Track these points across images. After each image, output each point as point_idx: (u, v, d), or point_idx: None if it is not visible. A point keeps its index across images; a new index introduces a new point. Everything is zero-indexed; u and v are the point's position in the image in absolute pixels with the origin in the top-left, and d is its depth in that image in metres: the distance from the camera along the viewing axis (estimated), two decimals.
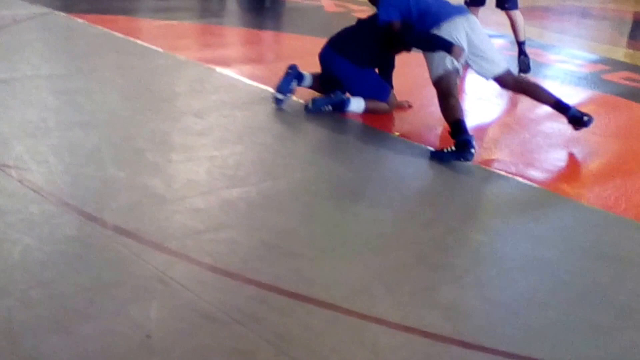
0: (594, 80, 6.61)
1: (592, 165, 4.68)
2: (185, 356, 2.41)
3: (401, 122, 4.96)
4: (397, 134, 4.70)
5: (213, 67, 5.74)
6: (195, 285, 2.79)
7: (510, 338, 2.70)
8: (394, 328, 2.70)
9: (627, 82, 6.60)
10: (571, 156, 4.74)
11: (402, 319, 2.75)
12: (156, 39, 6.55)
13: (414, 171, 4.25)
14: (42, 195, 3.33)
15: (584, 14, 9.41)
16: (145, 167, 3.80)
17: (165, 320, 2.58)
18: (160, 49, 6.12)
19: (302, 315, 2.71)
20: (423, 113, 5.16)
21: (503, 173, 4.21)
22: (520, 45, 6.42)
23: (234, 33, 7.61)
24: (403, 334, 2.68)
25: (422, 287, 2.99)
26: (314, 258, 3.10)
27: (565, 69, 6.93)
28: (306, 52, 6.64)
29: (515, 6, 6.43)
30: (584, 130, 4.80)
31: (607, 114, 5.52)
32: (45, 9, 7.08)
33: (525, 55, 6.39)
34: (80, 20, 6.80)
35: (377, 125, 4.79)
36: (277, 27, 8.47)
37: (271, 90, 5.05)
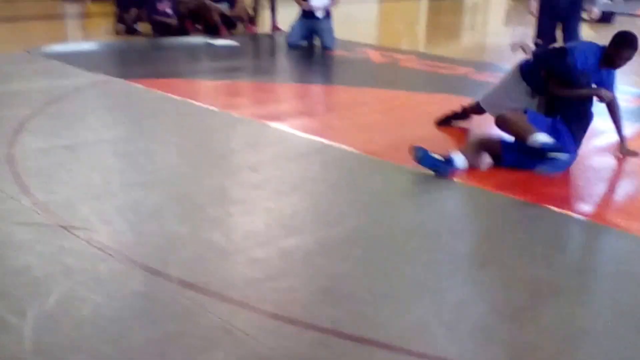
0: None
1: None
2: None
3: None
4: (455, 179, 4.74)
5: (266, 122, 5.90)
6: (258, 333, 2.88)
7: None
8: None
9: None
10: (622, 189, 4.75)
11: (460, 356, 2.80)
12: (211, 99, 6.77)
13: (468, 213, 4.31)
14: (109, 254, 3.48)
15: None
16: (206, 221, 3.93)
17: None
18: (215, 108, 6.31)
19: (363, 357, 2.78)
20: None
21: (554, 208, 4.25)
22: None
23: (285, 89, 7.79)
24: None
25: (480, 325, 3.03)
26: (372, 301, 3.17)
27: None
28: (354, 103, 6.81)
29: None
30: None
31: None
32: (104, 77, 7.37)
33: None
34: (138, 86, 7.05)
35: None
36: (326, 80, 8.65)
37: (323, 140, 5.19)
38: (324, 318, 3.00)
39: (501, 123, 4.97)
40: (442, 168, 4.70)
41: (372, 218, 4.12)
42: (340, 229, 3.93)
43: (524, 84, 5.29)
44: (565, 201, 4.41)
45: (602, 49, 4.99)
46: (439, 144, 5.47)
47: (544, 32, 6.95)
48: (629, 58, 4.97)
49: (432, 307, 3.13)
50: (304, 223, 3.98)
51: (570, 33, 6.79)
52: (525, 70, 5.30)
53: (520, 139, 4.85)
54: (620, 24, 6.73)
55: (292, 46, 9.84)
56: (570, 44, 5.27)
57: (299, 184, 4.58)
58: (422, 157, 4.72)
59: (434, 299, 3.21)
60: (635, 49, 4.95)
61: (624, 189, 4.82)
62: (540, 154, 4.73)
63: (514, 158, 4.89)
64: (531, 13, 7.02)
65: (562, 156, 4.71)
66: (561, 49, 5.19)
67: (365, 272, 3.46)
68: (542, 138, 4.73)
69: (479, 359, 2.79)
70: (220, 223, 3.93)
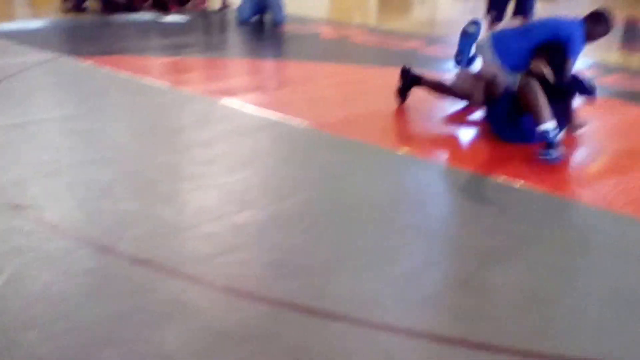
0: None
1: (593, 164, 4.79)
2: None
3: (408, 139, 5.07)
4: (403, 151, 4.79)
5: (217, 98, 5.89)
6: (211, 307, 2.90)
7: (521, 336, 2.79)
8: (405, 334, 2.79)
9: (621, 84, 6.70)
10: (572, 160, 4.84)
11: (412, 324, 2.85)
12: (161, 76, 6.72)
13: (417, 185, 4.35)
14: (59, 232, 3.46)
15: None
16: (157, 197, 3.92)
17: (183, 342, 2.68)
18: (165, 85, 6.27)
19: (316, 328, 2.81)
20: (429, 128, 5.28)
21: (502, 179, 4.33)
22: None
23: (235, 64, 7.76)
24: (413, 340, 2.77)
25: (431, 293, 3.08)
26: (324, 273, 3.21)
27: None
28: (305, 78, 6.82)
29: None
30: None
31: (604, 116, 5.61)
32: (53, 54, 7.26)
33: None
34: (87, 63, 6.97)
35: (382, 144, 4.90)
36: (277, 55, 8.64)
37: (274, 115, 5.19)
38: (277, 291, 3.03)
39: (525, 91, 4.82)
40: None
41: (324, 191, 4.15)
42: (291, 202, 3.95)
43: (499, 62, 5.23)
44: (515, 173, 4.48)
45: (582, 26, 5.08)
46: (392, 117, 5.53)
47: (496, 6, 6.96)
48: (604, 35, 5.07)
49: (383, 278, 3.18)
50: (256, 197, 4.00)
51: (525, 8, 6.81)
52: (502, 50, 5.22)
53: (532, 113, 4.77)
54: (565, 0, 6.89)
55: (242, 22, 9.79)
56: (563, 31, 5.07)
57: (250, 159, 4.59)
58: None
59: (385, 270, 3.25)
60: (611, 26, 5.06)
61: (573, 160, 4.91)
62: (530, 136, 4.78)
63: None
64: None
65: (553, 154, 4.67)
66: (560, 44, 5.05)
67: (317, 245, 3.49)
68: (551, 129, 4.70)
69: (429, 327, 2.84)
70: (171, 199, 3.93)
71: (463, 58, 4.87)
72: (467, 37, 4.85)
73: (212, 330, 2.75)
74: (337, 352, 2.66)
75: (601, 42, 5.39)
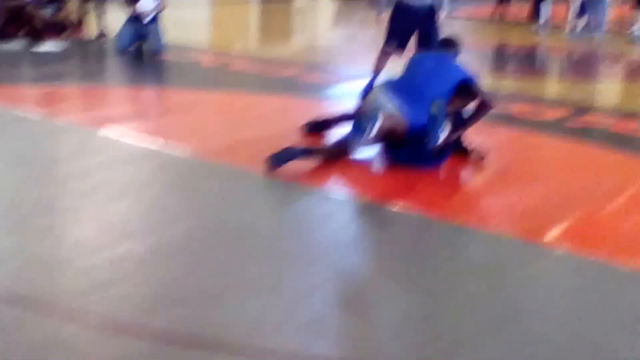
0: None
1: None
2: None
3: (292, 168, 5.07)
4: (280, 179, 4.80)
5: (95, 127, 5.77)
6: (86, 345, 2.82)
7: (400, 356, 2.84)
8: (288, 359, 2.80)
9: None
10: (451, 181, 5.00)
11: (295, 349, 2.86)
12: (35, 106, 6.53)
13: (297, 212, 4.39)
14: None
15: None
16: (32, 232, 3.80)
17: None
18: (39, 116, 6.10)
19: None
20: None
21: (379, 203, 4.43)
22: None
23: (114, 93, 7.64)
24: None
25: (314, 318, 3.10)
26: (206, 303, 3.18)
27: None
28: (187, 106, 6.78)
29: None
30: None
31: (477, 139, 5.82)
32: None
33: None
34: None
35: (262, 172, 4.90)
36: (156, 83, 8.54)
37: (155, 145, 5.14)
38: (156, 325, 2.98)
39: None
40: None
41: (205, 221, 4.12)
42: (172, 233, 3.90)
43: None
44: (392, 195, 4.58)
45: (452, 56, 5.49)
46: (273, 145, 5.53)
47: (397, 39, 6.98)
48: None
49: (267, 304, 3.17)
50: (135, 229, 3.93)
51: (428, 39, 6.87)
52: None
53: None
54: (443, 25, 7.08)
55: (120, 50, 9.64)
56: (457, 72, 5.32)
57: (129, 189, 4.51)
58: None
59: (269, 296, 3.25)
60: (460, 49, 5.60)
61: (452, 183, 5.06)
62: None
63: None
64: (379, 21, 7.19)
65: None
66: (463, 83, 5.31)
67: (198, 275, 3.45)
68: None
69: (312, 350, 2.86)
70: (47, 233, 3.81)
71: (365, 140, 4.91)
72: (370, 119, 4.86)
73: None
74: None
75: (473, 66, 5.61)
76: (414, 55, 5.85)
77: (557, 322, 3.16)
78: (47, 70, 8.34)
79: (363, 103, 5.35)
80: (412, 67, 5.45)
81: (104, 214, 4.09)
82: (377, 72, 7.05)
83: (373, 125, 4.84)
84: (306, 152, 4.93)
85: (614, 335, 3.06)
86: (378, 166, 5.12)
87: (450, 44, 5.62)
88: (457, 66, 5.35)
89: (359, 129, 4.90)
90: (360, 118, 5.03)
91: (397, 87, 5.23)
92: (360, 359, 2.82)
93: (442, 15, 7.35)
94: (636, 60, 11.53)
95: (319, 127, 5.83)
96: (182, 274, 3.45)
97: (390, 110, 4.99)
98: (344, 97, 7.36)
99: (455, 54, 5.54)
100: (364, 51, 11.00)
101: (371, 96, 5.25)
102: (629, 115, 7.11)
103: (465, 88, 5.21)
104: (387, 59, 7.07)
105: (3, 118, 6.06)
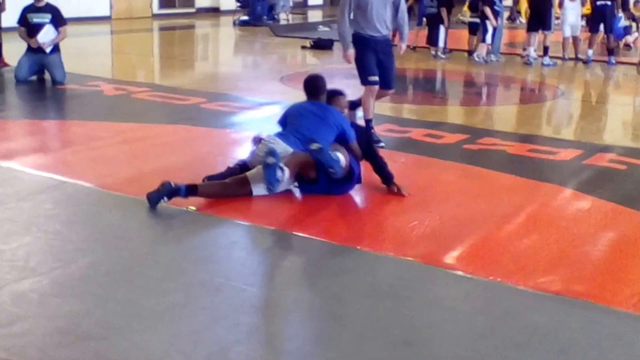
0: None
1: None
2: None
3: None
4: (191, 208, 4.84)
5: None
6: None
7: None
8: None
9: (391, 134, 7.18)
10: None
11: None
12: None
13: (205, 243, 4.43)
14: None
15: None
16: None
17: None
18: None
19: None
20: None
21: (269, 227, 4.54)
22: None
23: (13, 126, 7.51)
24: None
25: (216, 350, 3.16)
26: (109, 337, 3.20)
27: None
28: (89, 137, 6.73)
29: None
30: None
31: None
32: None
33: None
34: None
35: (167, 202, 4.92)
36: (58, 115, 8.44)
37: (57, 177, 5.12)
38: None
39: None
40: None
41: (108, 252, 4.14)
42: (75, 266, 3.91)
43: None
44: (295, 223, 4.69)
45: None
46: (180, 175, 5.55)
47: (373, 71, 6.60)
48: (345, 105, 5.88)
49: (169, 337, 3.22)
50: (38, 263, 3.91)
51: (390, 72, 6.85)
52: None
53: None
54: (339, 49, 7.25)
55: (20, 81, 9.48)
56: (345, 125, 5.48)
57: (31, 223, 4.48)
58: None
59: (171, 329, 3.30)
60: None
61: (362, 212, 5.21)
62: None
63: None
64: (347, 60, 6.88)
65: None
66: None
67: (102, 309, 3.47)
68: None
69: None
70: None
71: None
72: (270, 168, 4.86)
73: None
74: None
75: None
76: (294, 105, 5.86)
77: (460, 343, 3.30)
78: None
79: (255, 154, 5.31)
80: (294, 115, 5.57)
81: (5, 249, 4.05)
82: (367, 111, 6.74)
83: (276, 168, 4.87)
84: (190, 190, 4.88)
85: (510, 352, 3.22)
86: (296, 196, 5.20)
87: (335, 95, 5.71)
88: (339, 117, 5.51)
89: (267, 178, 4.90)
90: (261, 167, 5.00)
91: (282, 134, 5.40)
92: None
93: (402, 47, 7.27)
94: (530, 83, 12.00)
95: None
96: (85, 308, 3.46)
97: (287, 149, 5.12)
98: (247, 124, 7.47)
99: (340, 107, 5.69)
100: (265, 78, 11.19)
101: (261, 146, 5.24)
102: (525, 137, 7.42)
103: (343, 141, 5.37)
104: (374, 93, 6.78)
105: None
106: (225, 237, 4.51)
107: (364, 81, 6.72)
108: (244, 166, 5.32)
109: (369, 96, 6.71)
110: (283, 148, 5.12)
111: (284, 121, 5.62)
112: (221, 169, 5.36)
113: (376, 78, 6.65)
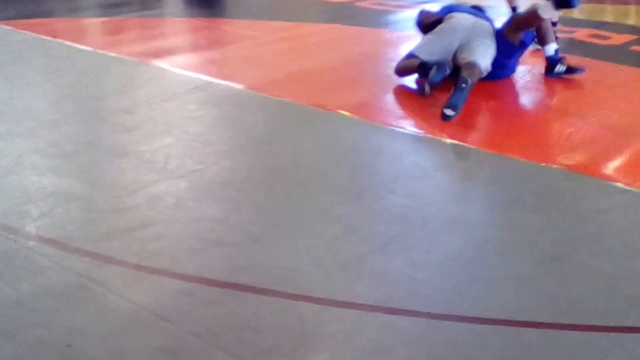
0: None
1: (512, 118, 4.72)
2: None
3: (348, 100, 4.88)
4: (338, 110, 4.62)
5: (147, 60, 5.66)
6: (119, 287, 2.75)
7: (437, 299, 2.71)
8: (323, 304, 2.69)
9: None
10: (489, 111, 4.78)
11: (330, 293, 2.74)
12: (85, 39, 6.47)
13: (342, 142, 4.21)
14: None
15: None
16: (71, 171, 3.75)
17: (86, 326, 2.54)
18: (89, 48, 6.02)
19: (230, 304, 2.68)
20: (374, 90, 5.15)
21: (422, 134, 4.24)
22: None
23: (167, 24, 7.51)
24: (332, 308, 2.67)
25: (350, 259, 2.97)
26: (243, 245, 3.08)
27: None
28: (238, 37, 6.61)
29: None
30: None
31: None
32: None
33: None
34: (6, 27, 6.67)
35: (314, 104, 4.73)
36: (209, 13, 8.35)
37: (204, 78, 5.03)
38: (191, 266, 2.89)
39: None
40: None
41: (251, 157, 4.01)
42: (215, 170, 3.81)
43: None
44: (447, 128, 4.38)
45: None
46: (333, 77, 5.34)
47: None
48: None
49: (305, 247, 3.05)
50: (177, 166, 3.83)
51: None
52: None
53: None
54: None
55: None
56: None
57: (173, 124, 4.40)
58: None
59: (307, 238, 3.13)
60: None
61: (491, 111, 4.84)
62: None
63: None
64: None
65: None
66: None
67: (237, 214, 3.35)
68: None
69: (350, 294, 2.74)
70: (86, 172, 3.75)
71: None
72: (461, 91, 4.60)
73: (117, 312, 2.61)
74: (249, 327, 2.54)
75: None
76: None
77: (612, 260, 2.97)
78: (102, 1, 8.25)
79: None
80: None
81: (146, 150, 3.99)
82: None
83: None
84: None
85: None
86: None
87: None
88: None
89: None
90: None
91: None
92: (397, 304, 2.69)
93: None
94: None
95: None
96: (222, 213, 3.35)
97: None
98: (402, 23, 7.11)
99: None
100: None
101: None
102: None
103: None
104: None
105: (54, 51, 6.01)
106: (371, 142, 4.26)
107: None
108: None
109: None
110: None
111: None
112: (375, 69, 5.09)
113: None
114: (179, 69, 5.47)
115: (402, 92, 5.06)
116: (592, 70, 5.53)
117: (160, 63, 5.60)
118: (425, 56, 4.98)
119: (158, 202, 3.43)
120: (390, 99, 4.99)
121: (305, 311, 2.65)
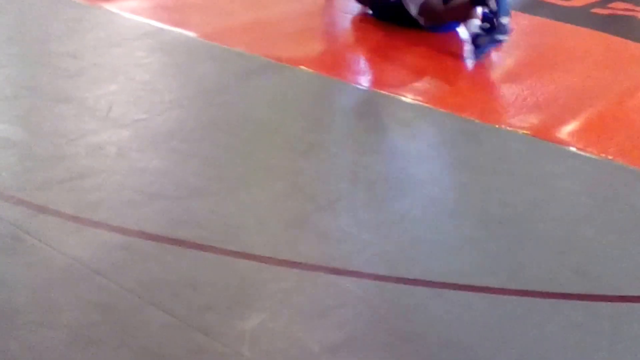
0: None
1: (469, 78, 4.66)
2: (36, 318, 2.28)
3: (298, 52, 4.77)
4: (294, 63, 4.49)
5: (93, 3, 5.45)
6: (53, 239, 2.64)
7: (381, 260, 2.66)
8: (264, 262, 2.62)
9: None
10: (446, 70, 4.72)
11: (273, 252, 2.67)
12: None
13: (300, 98, 4.12)
14: None
15: None
16: (9, 116, 3.60)
17: (17, 279, 2.44)
18: None
19: (168, 259, 2.61)
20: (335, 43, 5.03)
21: (386, 92, 4.14)
22: None
23: None
24: (273, 267, 2.60)
25: (295, 217, 2.90)
26: (185, 198, 2.98)
27: None
28: None
29: None
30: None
31: None
32: None
33: None
34: None
35: (269, 56, 4.59)
36: None
37: (154, 24, 4.88)
38: (130, 219, 2.80)
39: None
40: None
41: (198, 108, 3.88)
42: (160, 120, 3.68)
43: None
44: (397, 86, 4.30)
45: None
46: (283, 30, 5.19)
47: None
48: None
49: (249, 203, 2.98)
50: (121, 115, 3.69)
51: None
52: None
53: None
54: None
55: None
56: None
57: (119, 71, 4.24)
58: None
59: (252, 194, 3.05)
60: None
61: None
62: None
63: None
64: None
65: None
66: None
67: (181, 167, 3.25)
68: None
69: (293, 252, 2.68)
70: (24, 118, 3.60)
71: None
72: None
73: (50, 265, 2.52)
74: (186, 283, 2.47)
75: None
76: None
77: (560, 225, 2.97)
78: None
79: None
80: None
81: (88, 97, 3.84)
82: None
83: None
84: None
85: (612, 237, 2.89)
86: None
87: None
88: None
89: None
90: None
91: None
92: (339, 264, 2.63)
93: None
94: None
95: None
96: (165, 165, 3.25)
97: None
98: None
99: None
100: None
101: None
102: None
103: None
104: None
105: None
106: (326, 98, 4.17)
107: None
108: None
109: None
110: None
111: None
112: (335, 21, 4.97)
113: None
114: (130, 13, 5.27)
115: (362, 46, 4.96)
116: (552, 32, 5.47)
117: (110, 7, 5.39)
118: None
119: (99, 151, 3.30)
120: (349, 53, 4.89)
121: (245, 269, 2.58)
